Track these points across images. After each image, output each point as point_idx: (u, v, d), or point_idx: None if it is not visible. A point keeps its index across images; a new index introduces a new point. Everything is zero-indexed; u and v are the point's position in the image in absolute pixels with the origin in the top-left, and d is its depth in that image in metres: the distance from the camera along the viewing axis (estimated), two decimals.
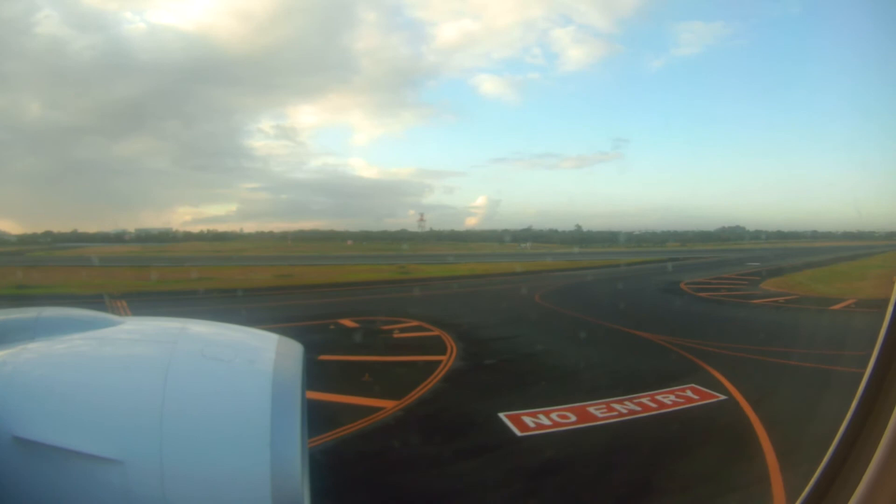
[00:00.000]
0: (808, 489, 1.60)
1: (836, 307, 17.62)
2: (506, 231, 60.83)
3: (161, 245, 57.00)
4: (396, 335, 14.31)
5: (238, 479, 1.24)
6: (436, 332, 14.34)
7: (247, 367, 1.43)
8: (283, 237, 62.33)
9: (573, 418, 7.98)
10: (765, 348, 11.93)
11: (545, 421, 7.89)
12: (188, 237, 61.91)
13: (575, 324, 16.17)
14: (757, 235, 54.83)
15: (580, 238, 56.19)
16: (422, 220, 55.11)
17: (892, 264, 29.88)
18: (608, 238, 55.44)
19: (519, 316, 17.84)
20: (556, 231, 60.22)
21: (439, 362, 11.23)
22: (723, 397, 8.73)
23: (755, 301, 19.41)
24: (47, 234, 58.97)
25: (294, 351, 1.52)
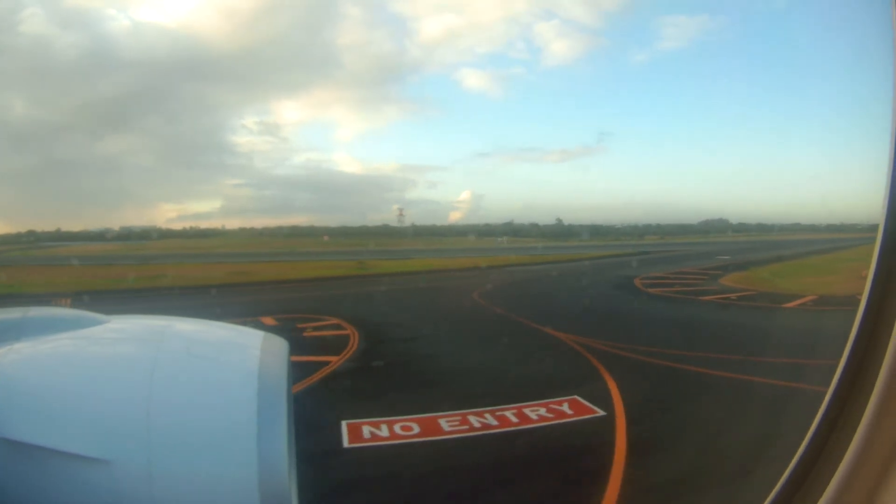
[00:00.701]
0: (777, 489, 1.57)
1: (791, 304, 16.47)
2: (487, 226, 60.18)
3: (141, 243, 56.03)
4: (306, 334, 13.58)
5: (225, 477, 1.22)
6: (347, 330, 13.59)
7: (232, 364, 1.43)
8: (261, 233, 61.53)
9: (416, 430, 7.13)
10: (686, 353, 10.87)
11: (384, 432, 7.07)
12: (170, 234, 60.92)
13: (496, 323, 15.17)
14: (739, 228, 54.59)
15: (560, 232, 55.61)
16: (401, 214, 54.00)
17: (867, 257, 28.75)
18: (588, 231, 54.70)
19: (444, 314, 16.88)
20: (537, 225, 59.40)
21: (327, 363, 10.49)
22: (601, 413, 7.65)
23: (704, 298, 18.29)
24: (31, 233, 57.81)
25: (279, 348, 1.49)
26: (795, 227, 51.85)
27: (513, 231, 56.51)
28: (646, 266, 30.06)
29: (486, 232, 57.66)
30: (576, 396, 8.26)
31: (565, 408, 7.93)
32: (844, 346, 1.55)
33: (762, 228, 53.69)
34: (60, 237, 57.93)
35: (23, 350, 1.38)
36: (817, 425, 1.54)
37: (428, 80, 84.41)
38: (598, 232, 54.13)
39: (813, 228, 48.03)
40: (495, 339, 13.06)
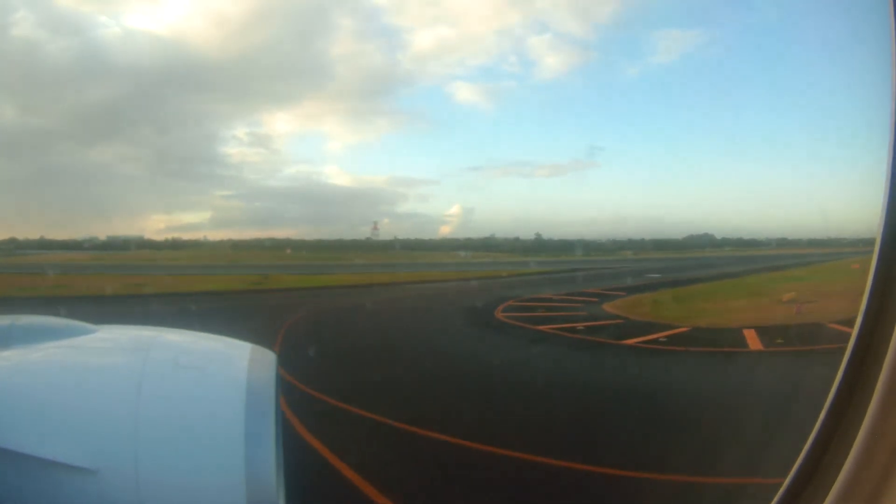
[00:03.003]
0: (781, 491, 1.58)
1: (634, 341, 12.59)
2: (468, 240, 57.22)
3: (113, 253, 55.53)
4: None
5: (213, 488, 1.21)
6: None
7: (220, 375, 1.41)
8: (236, 246, 60.63)
9: None
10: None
11: None
12: (150, 245, 60.50)
13: None
14: (722, 243, 50.54)
15: (538, 247, 52.31)
16: (375, 228, 52.17)
17: (821, 275, 24.42)
18: (563, 247, 51.28)
19: None
20: (518, 239, 56.10)
21: None
22: None
23: (543, 327, 14.59)
24: (12, 240, 58.18)
25: (267, 360, 1.49)
26: (781, 242, 48.01)
27: (487, 246, 53.29)
28: (552, 285, 26.31)
29: (468, 246, 55.10)
30: None
31: None
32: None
33: (741, 243, 49.77)
34: (42, 245, 58.12)
35: (11, 358, 1.37)
36: (820, 426, 1.52)
37: (419, 92, 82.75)
38: (570, 247, 50.48)
39: (797, 243, 44.40)
40: None
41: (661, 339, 12.56)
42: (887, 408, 1.32)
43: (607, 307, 17.61)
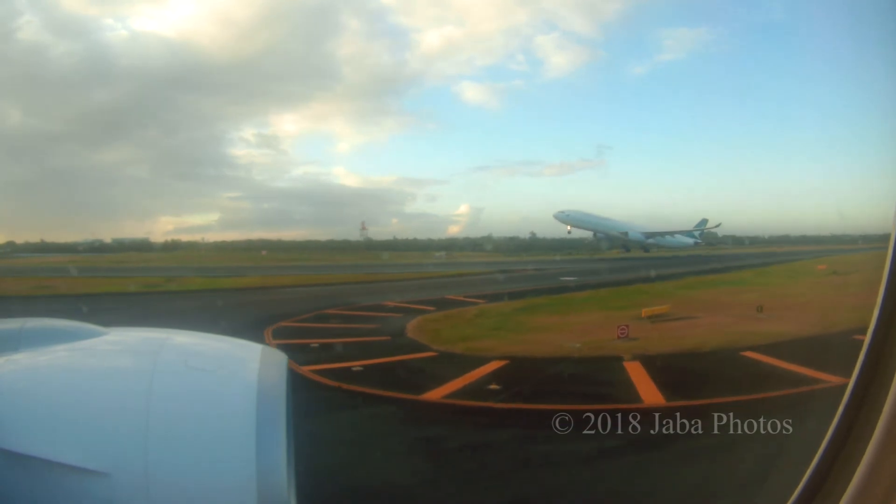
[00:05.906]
0: (799, 489, 1.55)
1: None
2: (467, 239, 54.04)
3: (92, 255, 55.53)
4: None
5: (224, 489, 1.18)
6: None
7: (231, 377, 1.38)
8: (221, 247, 60.54)
9: None
10: None
11: None
12: (149, 247, 61.25)
13: None
14: (722, 241, 44.63)
15: (527, 246, 48.05)
16: (364, 229, 50.11)
17: (765, 279, 19.39)
18: (554, 246, 46.80)
19: None
20: (515, 238, 52.23)
21: None
22: None
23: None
24: (10, 244, 60.35)
25: (278, 361, 1.45)
26: (783, 240, 43.27)
27: (476, 245, 49.55)
28: (440, 289, 22.28)
29: (465, 246, 52.03)
30: None
31: None
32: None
33: (735, 241, 44.30)
34: (42, 248, 59.29)
35: (21, 361, 1.33)
36: (836, 426, 1.48)
37: (427, 92, 79.65)
38: (560, 246, 46.05)
39: (802, 240, 41.08)
40: None
41: (354, 368, 8.88)
42: None
43: (416, 320, 13.64)
